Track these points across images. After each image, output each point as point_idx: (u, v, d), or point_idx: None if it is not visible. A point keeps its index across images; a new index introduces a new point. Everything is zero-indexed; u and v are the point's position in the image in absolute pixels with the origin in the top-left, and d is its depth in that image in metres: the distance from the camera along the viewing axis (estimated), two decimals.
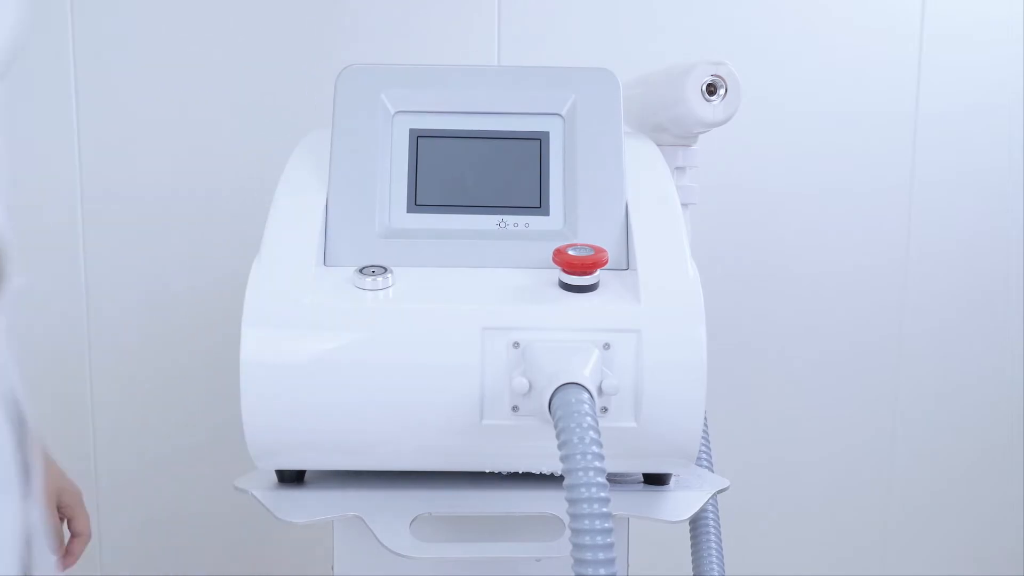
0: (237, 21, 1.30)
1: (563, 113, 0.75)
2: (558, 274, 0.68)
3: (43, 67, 1.29)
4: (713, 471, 0.89)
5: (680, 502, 0.72)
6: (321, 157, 0.75)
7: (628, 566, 0.76)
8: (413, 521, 0.68)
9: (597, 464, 0.56)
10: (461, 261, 0.71)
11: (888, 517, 1.49)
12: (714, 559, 0.86)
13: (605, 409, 0.66)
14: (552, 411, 0.60)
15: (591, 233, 0.72)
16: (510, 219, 0.73)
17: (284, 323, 0.66)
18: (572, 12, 1.33)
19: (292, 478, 0.72)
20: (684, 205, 0.77)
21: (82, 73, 1.30)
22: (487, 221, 0.73)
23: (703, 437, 0.88)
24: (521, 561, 0.73)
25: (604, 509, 0.55)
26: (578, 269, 0.67)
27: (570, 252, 0.67)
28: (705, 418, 0.76)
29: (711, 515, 0.87)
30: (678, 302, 0.67)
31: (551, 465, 0.63)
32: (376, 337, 0.66)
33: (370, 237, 0.71)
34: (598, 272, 0.68)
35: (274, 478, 0.72)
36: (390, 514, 0.68)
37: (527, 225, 0.73)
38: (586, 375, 0.61)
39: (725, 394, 1.40)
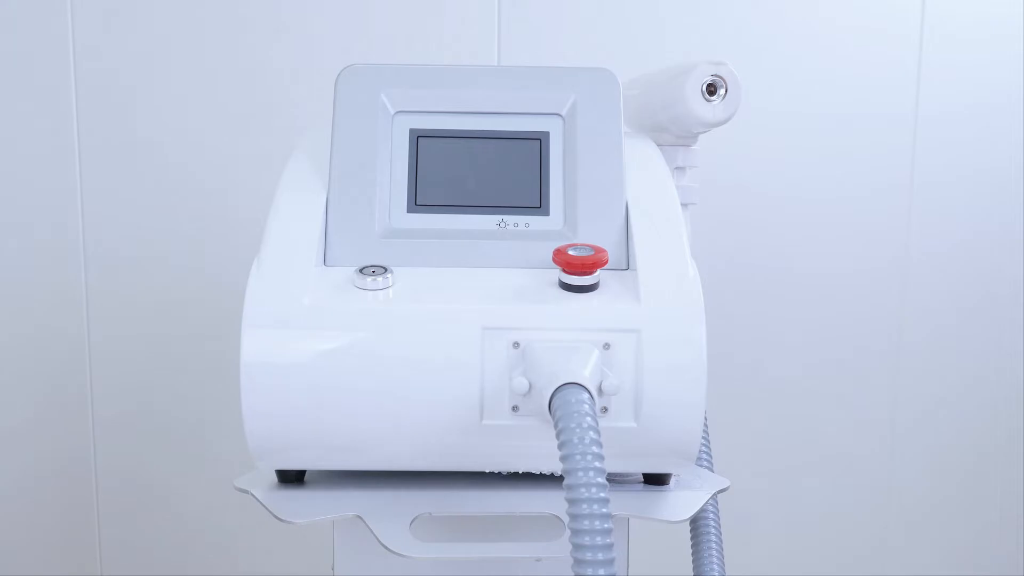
0: (237, 20, 1.30)
1: (563, 113, 0.75)
2: (558, 274, 0.68)
3: (43, 67, 1.29)
4: (713, 471, 0.89)
5: (680, 502, 0.72)
6: (321, 157, 0.75)
7: (628, 566, 0.77)
8: (413, 521, 0.68)
9: (597, 464, 0.56)
10: (461, 261, 0.71)
11: (888, 517, 1.49)
12: (715, 559, 0.86)
13: (605, 409, 0.66)
14: (552, 411, 0.60)
15: (591, 233, 0.72)
16: (510, 219, 0.73)
17: (284, 323, 0.66)
18: (572, 12, 1.33)
19: (292, 478, 0.72)
20: (684, 205, 0.77)
21: (82, 73, 1.30)
22: (487, 221, 0.73)
23: (703, 437, 0.88)
24: (521, 561, 0.72)
25: (604, 509, 0.55)
26: (578, 269, 0.67)
27: (570, 252, 0.67)
28: (705, 418, 0.76)
29: (711, 515, 0.87)
30: (678, 302, 0.67)
31: (551, 465, 0.63)
32: (376, 337, 0.66)
33: (370, 237, 0.71)
34: (598, 272, 0.68)
35: (274, 478, 0.72)
36: (390, 514, 0.68)
37: (527, 225, 0.73)
38: (586, 375, 0.62)
39: (725, 394, 1.40)
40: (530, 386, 0.64)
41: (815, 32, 1.37)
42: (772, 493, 1.46)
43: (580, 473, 0.56)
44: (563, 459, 0.57)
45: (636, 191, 0.73)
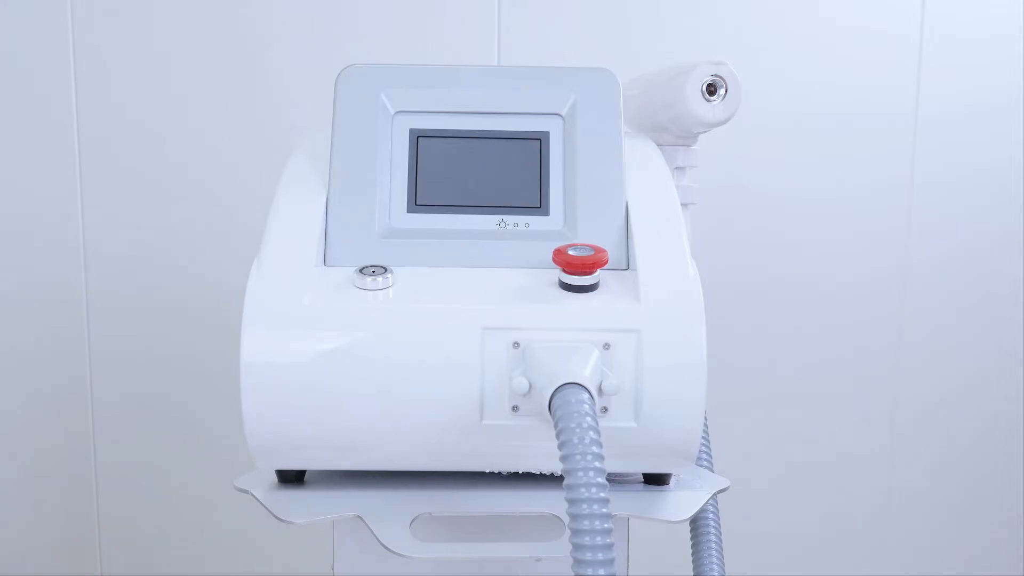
0: (237, 20, 1.30)
1: (563, 113, 0.75)
2: (558, 274, 0.68)
3: (43, 68, 1.29)
4: (713, 471, 0.89)
5: (680, 502, 0.72)
6: (321, 157, 0.75)
7: (628, 566, 0.77)
8: (413, 521, 0.68)
9: (597, 464, 0.56)
10: (461, 261, 0.71)
11: (888, 517, 1.49)
12: (715, 559, 0.86)
13: (605, 409, 0.66)
14: (552, 411, 0.60)
15: (591, 233, 0.72)
16: (510, 219, 0.73)
17: (284, 323, 0.66)
18: (572, 12, 1.33)
19: (292, 478, 0.72)
20: (684, 205, 0.77)
21: (82, 73, 1.30)
22: (487, 221, 0.73)
23: (703, 437, 0.88)
24: (521, 561, 0.72)
25: (604, 509, 0.55)
26: (578, 269, 0.67)
27: (570, 252, 0.67)
28: (705, 418, 0.76)
29: (711, 515, 0.87)
30: (678, 302, 0.67)
31: (551, 465, 0.63)
32: (376, 337, 0.66)
33: (370, 237, 0.71)
34: (598, 272, 0.68)
35: (274, 478, 0.73)
36: (390, 514, 0.68)
37: (527, 225, 0.73)
38: (586, 375, 0.62)
39: (725, 394, 1.40)
40: (530, 386, 0.64)
41: (815, 32, 1.37)
42: (772, 493, 1.46)
43: (580, 473, 0.56)
44: (563, 459, 0.57)
45: (636, 191, 0.73)
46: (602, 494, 0.55)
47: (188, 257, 1.33)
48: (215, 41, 1.29)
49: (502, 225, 0.73)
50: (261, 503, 0.69)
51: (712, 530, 0.86)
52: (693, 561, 0.87)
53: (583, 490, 0.55)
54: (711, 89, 0.80)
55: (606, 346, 0.65)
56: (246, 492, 0.71)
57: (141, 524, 1.39)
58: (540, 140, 0.75)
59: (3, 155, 1.30)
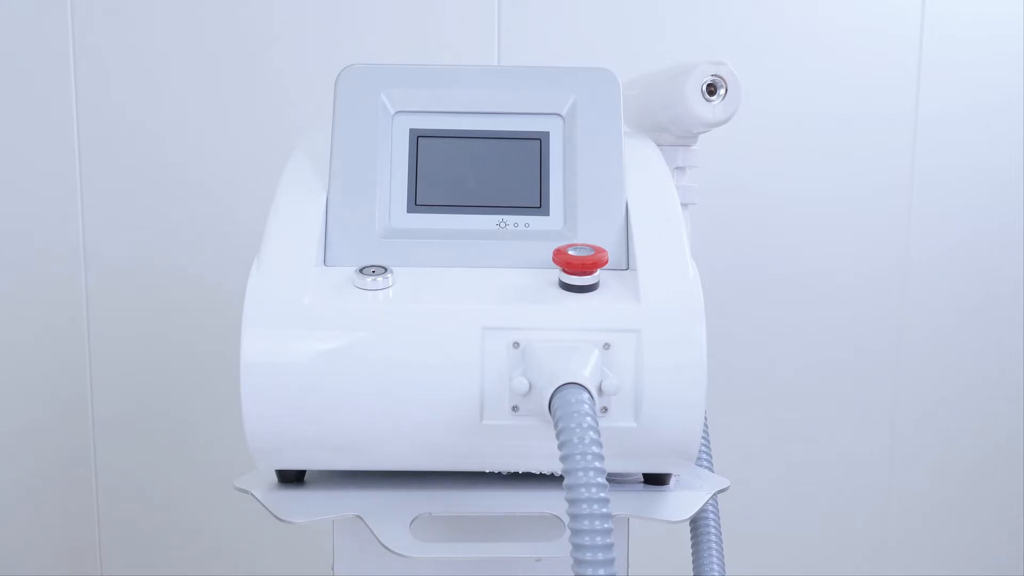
0: (237, 20, 1.30)
1: (563, 113, 0.75)
2: (558, 274, 0.68)
3: (43, 68, 1.29)
4: (713, 471, 0.89)
5: (680, 502, 0.72)
6: (321, 157, 0.75)
7: (628, 566, 0.77)
8: (413, 521, 0.68)
9: (597, 464, 0.56)
10: (461, 261, 0.71)
11: (888, 517, 1.49)
12: (715, 559, 0.85)
13: (605, 409, 0.66)
14: (552, 411, 0.60)
15: (591, 233, 0.72)
16: (510, 219, 0.73)
17: (284, 323, 0.66)
18: (572, 12, 1.33)
19: (292, 478, 0.72)
20: (684, 205, 0.77)
21: (82, 73, 1.30)
22: (487, 221, 0.73)
23: (703, 437, 0.88)
24: (521, 561, 0.72)
25: (604, 509, 0.55)
26: (578, 269, 0.67)
27: (570, 252, 0.67)
28: (705, 418, 0.76)
29: (711, 515, 0.87)
30: (678, 302, 0.67)
31: (551, 465, 0.63)
32: (376, 337, 0.66)
33: (370, 237, 0.71)
34: (598, 272, 0.68)
35: (274, 478, 0.73)
36: (390, 514, 0.68)
37: (527, 225, 0.73)
38: (586, 375, 0.62)
39: (725, 394, 1.40)
40: (530, 386, 0.64)
41: (815, 32, 1.37)
42: (772, 493, 1.46)
43: (580, 473, 0.56)
44: (563, 459, 0.57)
45: (636, 191, 0.73)
46: (602, 494, 0.55)
47: (188, 257, 1.33)
48: (215, 41, 1.29)
49: (502, 225, 0.73)
50: (261, 503, 0.69)
51: (712, 530, 0.86)
52: (693, 561, 0.87)
53: (583, 490, 0.55)
54: (711, 89, 0.80)
55: (606, 346, 0.65)
56: (246, 492, 0.71)
57: (141, 524, 1.39)
58: (540, 140, 0.75)
59: (3, 155, 1.30)
